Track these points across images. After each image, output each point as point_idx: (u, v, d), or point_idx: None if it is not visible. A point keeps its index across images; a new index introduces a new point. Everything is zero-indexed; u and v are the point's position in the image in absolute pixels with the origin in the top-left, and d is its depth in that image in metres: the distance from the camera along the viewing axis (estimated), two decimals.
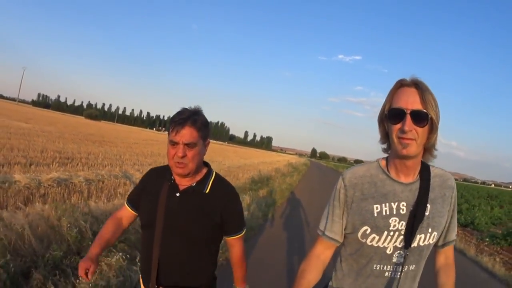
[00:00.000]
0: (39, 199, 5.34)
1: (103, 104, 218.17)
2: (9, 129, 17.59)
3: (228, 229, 1.64)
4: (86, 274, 1.51)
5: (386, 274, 1.28)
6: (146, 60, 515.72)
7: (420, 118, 1.16)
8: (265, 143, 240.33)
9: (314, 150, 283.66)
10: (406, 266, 1.28)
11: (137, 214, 1.70)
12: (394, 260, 1.27)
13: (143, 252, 1.65)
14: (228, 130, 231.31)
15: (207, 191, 1.59)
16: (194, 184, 1.59)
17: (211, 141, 1.75)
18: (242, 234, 1.68)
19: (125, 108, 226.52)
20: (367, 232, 1.26)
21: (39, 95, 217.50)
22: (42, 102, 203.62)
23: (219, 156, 25.75)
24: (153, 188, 1.62)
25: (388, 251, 1.27)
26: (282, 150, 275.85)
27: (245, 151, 60.46)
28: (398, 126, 1.18)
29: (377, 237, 1.26)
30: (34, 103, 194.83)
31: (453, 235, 1.39)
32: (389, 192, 1.27)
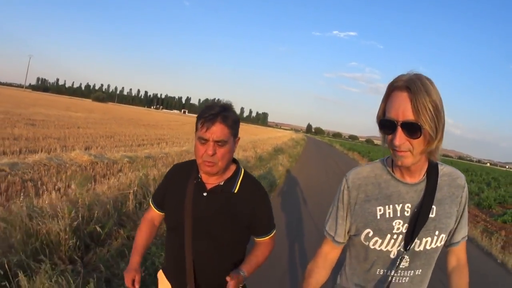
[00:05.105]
0: None
1: (101, 85, 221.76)
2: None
3: (257, 230, 1.55)
4: (133, 284, 1.53)
5: (390, 279, 1.21)
6: (140, 39, 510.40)
7: (412, 130, 1.04)
8: (261, 119, 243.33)
9: (309, 126, 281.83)
10: (412, 271, 1.21)
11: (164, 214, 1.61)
12: (398, 264, 1.19)
13: (171, 256, 1.58)
14: None
15: (235, 191, 1.49)
16: (222, 183, 1.49)
17: None
18: (271, 235, 1.59)
19: (123, 88, 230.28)
20: (370, 235, 1.20)
21: (38, 79, 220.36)
22: (41, 86, 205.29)
23: None
24: (177, 187, 1.54)
25: (391, 255, 1.20)
26: (277, 126, 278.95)
27: (247, 128, 65.05)
28: (390, 137, 1.09)
29: (379, 240, 1.19)
30: (33, 88, 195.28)
31: (459, 235, 1.29)
32: (393, 193, 1.19)
